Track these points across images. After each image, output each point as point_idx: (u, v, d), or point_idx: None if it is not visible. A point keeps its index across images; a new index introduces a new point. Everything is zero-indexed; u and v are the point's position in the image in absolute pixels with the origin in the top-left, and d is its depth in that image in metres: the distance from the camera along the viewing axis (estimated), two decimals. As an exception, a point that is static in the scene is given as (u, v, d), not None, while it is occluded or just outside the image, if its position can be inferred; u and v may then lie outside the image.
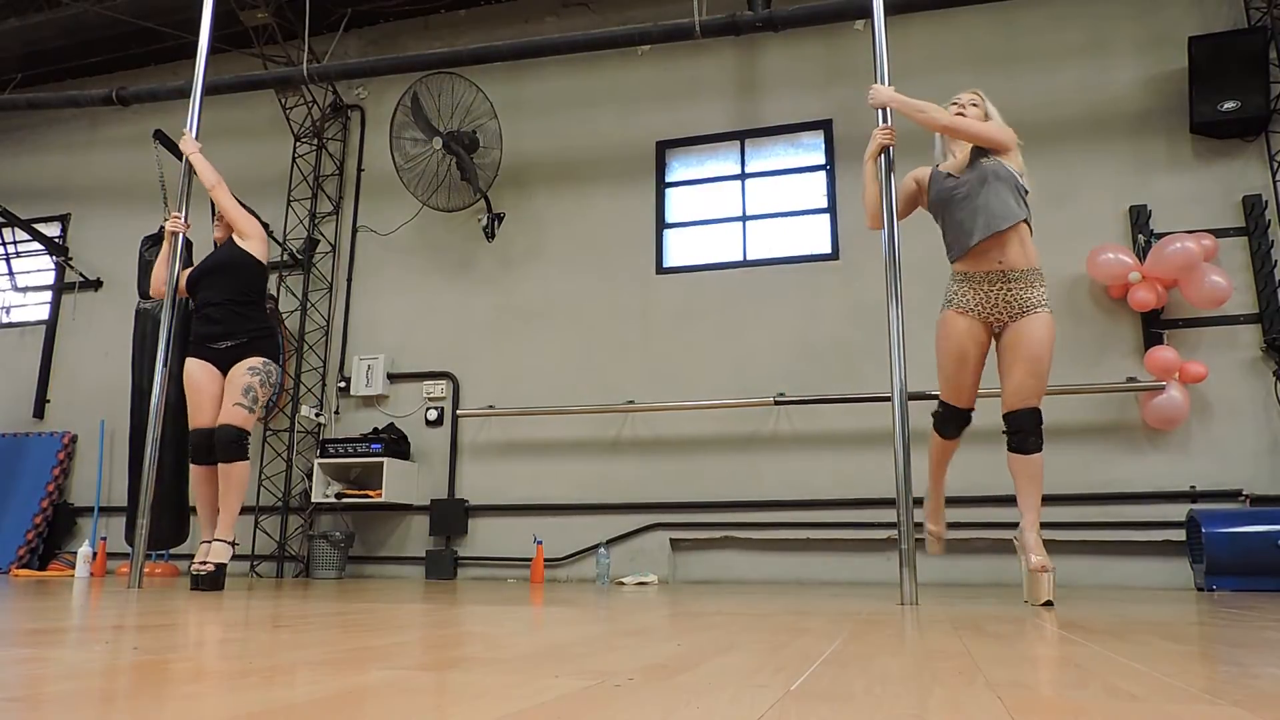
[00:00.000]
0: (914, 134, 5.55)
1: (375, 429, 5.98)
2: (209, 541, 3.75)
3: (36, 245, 7.26)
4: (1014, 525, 3.47)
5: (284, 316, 6.35)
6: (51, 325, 7.18)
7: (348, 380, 6.26)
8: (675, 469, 5.50)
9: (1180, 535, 4.58)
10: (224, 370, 3.89)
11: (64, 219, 7.46)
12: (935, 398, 5.01)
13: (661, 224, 6.00)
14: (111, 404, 6.51)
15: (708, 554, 5.41)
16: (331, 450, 5.80)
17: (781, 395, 5.34)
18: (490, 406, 5.90)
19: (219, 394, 3.85)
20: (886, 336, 3.32)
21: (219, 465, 3.74)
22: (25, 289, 7.46)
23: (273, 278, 6.57)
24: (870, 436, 5.17)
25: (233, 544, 3.77)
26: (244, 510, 6.09)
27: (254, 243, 4.03)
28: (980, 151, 3.15)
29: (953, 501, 4.90)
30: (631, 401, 5.61)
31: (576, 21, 6.39)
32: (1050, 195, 5.31)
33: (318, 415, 6.20)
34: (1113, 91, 5.33)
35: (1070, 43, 5.46)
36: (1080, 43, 5.45)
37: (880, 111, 3.49)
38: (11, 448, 6.80)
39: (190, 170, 4.27)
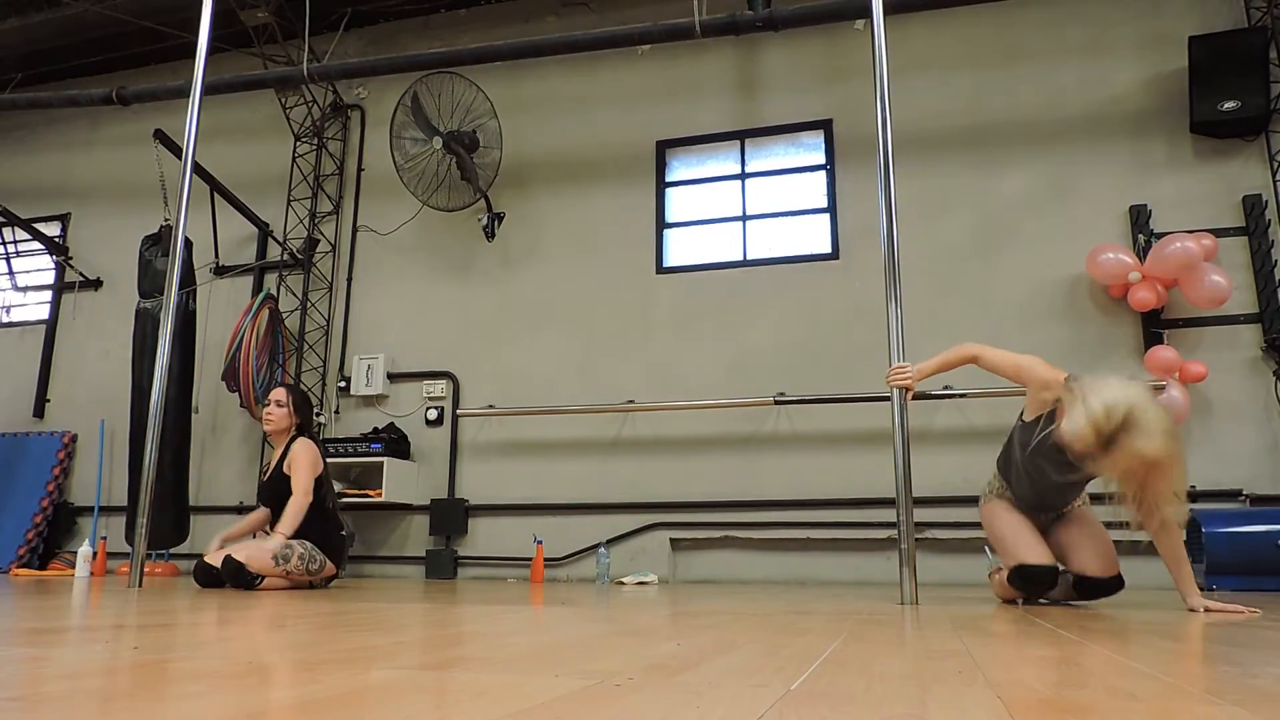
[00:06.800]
0: (912, 134, 5.56)
1: (375, 429, 5.98)
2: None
3: (36, 245, 7.26)
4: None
5: (284, 316, 6.35)
6: (51, 325, 7.18)
7: (348, 380, 6.26)
8: (675, 469, 5.50)
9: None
10: None
11: (64, 219, 7.46)
12: (935, 397, 5.05)
13: (661, 224, 6.00)
14: (111, 404, 6.51)
15: (708, 554, 5.40)
16: (331, 450, 5.78)
17: (781, 395, 5.34)
18: (490, 406, 5.90)
19: None
20: (886, 336, 3.31)
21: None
22: (25, 289, 7.45)
23: (272, 277, 6.58)
24: (870, 436, 5.17)
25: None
26: (243, 509, 6.14)
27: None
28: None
29: (953, 501, 4.92)
30: (631, 401, 5.61)
31: (577, 21, 6.39)
32: (1050, 195, 5.31)
33: (318, 415, 6.20)
34: (1113, 91, 5.33)
35: (1070, 42, 5.46)
36: (1080, 42, 5.44)
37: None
38: (11, 447, 6.79)
39: (191, 172, 4.26)
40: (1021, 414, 2.95)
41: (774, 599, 3.23)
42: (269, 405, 4.16)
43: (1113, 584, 2.91)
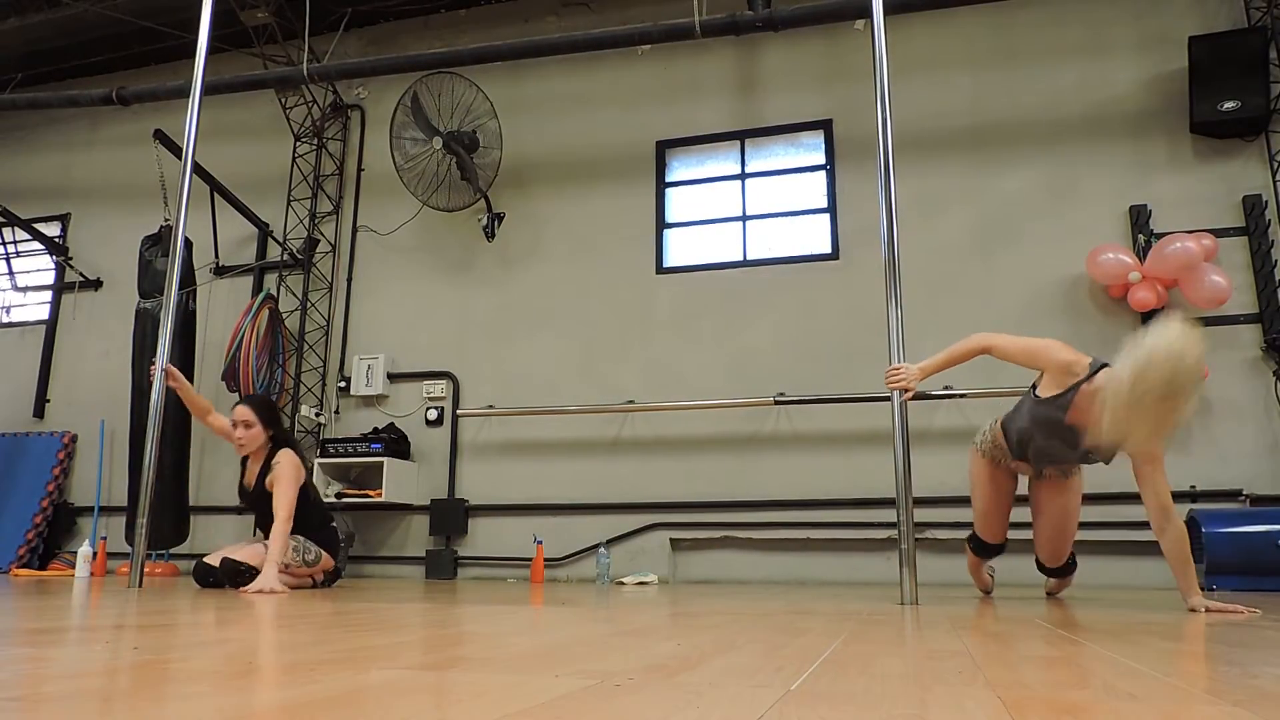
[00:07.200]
0: (912, 134, 5.56)
1: (375, 429, 5.98)
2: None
3: (36, 245, 7.26)
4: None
5: (284, 316, 6.35)
6: (51, 325, 7.18)
7: (348, 380, 6.26)
8: (675, 469, 5.50)
9: (1180, 535, 4.57)
10: None
11: (64, 219, 7.46)
12: (934, 397, 5.05)
13: (661, 224, 6.00)
14: (111, 404, 6.51)
15: (708, 554, 5.40)
16: (331, 450, 5.79)
17: (781, 395, 5.34)
18: (490, 406, 5.90)
19: None
20: (886, 336, 3.31)
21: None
22: (25, 289, 7.45)
23: (272, 277, 6.58)
24: (870, 436, 5.17)
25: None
26: (244, 510, 6.13)
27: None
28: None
29: (953, 501, 4.92)
30: (631, 401, 5.61)
31: (577, 21, 6.39)
32: (1050, 195, 5.31)
33: (318, 415, 6.20)
34: (1113, 91, 5.33)
35: (1070, 42, 5.46)
36: (1080, 42, 5.44)
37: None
38: (11, 447, 6.79)
39: (191, 172, 4.26)
40: (1035, 388, 2.94)
41: (774, 599, 3.23)
42: (238, 428, 3.93)
43: (1060, 571, 3.38)
